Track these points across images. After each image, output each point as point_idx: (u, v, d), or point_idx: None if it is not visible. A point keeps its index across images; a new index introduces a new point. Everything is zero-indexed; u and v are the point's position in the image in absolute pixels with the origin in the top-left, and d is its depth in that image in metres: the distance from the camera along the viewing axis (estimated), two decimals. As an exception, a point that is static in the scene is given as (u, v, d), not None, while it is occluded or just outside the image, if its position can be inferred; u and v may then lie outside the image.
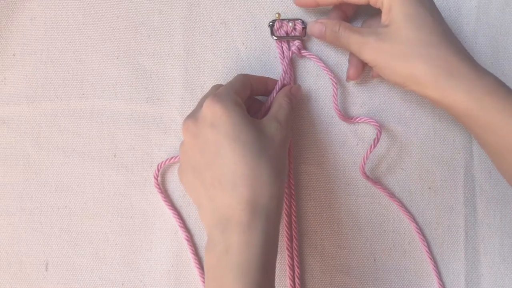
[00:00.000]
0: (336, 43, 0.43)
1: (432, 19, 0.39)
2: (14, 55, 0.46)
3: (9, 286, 0.44)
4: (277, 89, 0.43)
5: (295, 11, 0.47)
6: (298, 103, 0.46)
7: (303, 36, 0.46)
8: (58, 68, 0.46)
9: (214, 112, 0.36)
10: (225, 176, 0.35)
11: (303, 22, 0.46)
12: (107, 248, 0.45)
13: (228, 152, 0.35)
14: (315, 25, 0.43)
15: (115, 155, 0.46)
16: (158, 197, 0.45)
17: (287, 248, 0.44)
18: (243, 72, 0.46)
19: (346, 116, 0.45)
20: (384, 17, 0.40)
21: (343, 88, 0.46)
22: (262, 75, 0.44)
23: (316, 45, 0.47)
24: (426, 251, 0.44)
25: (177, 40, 0.47)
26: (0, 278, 0.44)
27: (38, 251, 0.45)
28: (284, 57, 0.45)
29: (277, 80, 0.43)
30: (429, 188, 0.46)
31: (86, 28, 0.47)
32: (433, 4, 0.41)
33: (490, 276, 0.45)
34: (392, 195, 0.45)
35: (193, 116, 0.38)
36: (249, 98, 0.42)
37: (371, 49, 0.40)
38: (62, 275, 0.44)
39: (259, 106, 0.43)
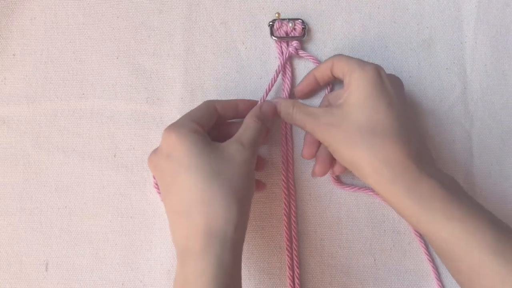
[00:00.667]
0: (291, 122, 0.41)
1: (388, 104, 0.37)
2: (14, 55, 0.46)
3: (9, 286, 0.44)
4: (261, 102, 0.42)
5: (295, 11, 0.47)
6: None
7: (303, 37, 0.46)
8: (58, 68, 0.46)
9: (168, 142, 0.36)
10: (180, 205, 0.35)
11: (303, 22, 0.46)
12: (107, 248, 0.45)
13: (183, 179, 0.35)
14: (270, 104, 0.42)
15: (115, 155, 0.46)
16: (158, 197, 0.45)
17: (286, 249, 0.44)
18: (243, 72, 0.46)
19: None
20: (343, 93, 0.39)
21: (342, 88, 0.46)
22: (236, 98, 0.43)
23: (315, 46, 0.47)
24: (425, 252, 0.44)
25: (177, 40, 0.47)
26: (0, 278, 0.44)
27: (38, 251, 0.45)
28: (283, 58, 0.45)
29: (250, 101, 0.42)
30: (429, 188, 0.45)
31: (86, 28, 0.47)
32: (398, 85, 0.39)
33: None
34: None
35: (155, 149, 0.38)
36: (224, 123, 0.41)
37: (322, 131, 0.38)
38: (62, 275, 0.44)
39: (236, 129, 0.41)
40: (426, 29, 0.47)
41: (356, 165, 0.37)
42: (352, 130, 0.36)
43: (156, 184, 0.44)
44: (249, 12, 0.47)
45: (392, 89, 0.38)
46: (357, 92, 0.37)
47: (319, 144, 0.42)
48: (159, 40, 0.47)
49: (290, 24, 0.45)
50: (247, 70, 0.46)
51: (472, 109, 0.46)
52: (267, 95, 0.44)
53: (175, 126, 0.36)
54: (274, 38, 0.46)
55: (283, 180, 0.45)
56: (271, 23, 0.46)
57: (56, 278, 0.44)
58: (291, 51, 0.45)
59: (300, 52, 0.45)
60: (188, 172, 0.35)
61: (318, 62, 0.45)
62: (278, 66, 0.45)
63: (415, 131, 0.38)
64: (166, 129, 0.36)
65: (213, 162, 0.35)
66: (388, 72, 0.46)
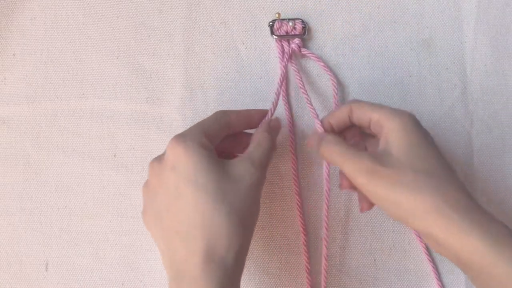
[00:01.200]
0: (327, 160, 0.38)
1: (434, 149, 0.35)
2: (14, 55, 0.46)
3: (9, 286, 0.44)
4: (269, 116, 0.40)
5: (295, 11, 0.47)
6: (299, 107, 0.46)
7: (303, 35, 0.46)
8: (58, 68, 0.46)
9: (175, 154, 0.34)
10: (182, 225, 0.33)
11: (303, 21, 0.46)
12: (107, 248, 0.45)
13: (186, 197, 0.33)
14: (312, 137, 0.39)
15: (115, 155, 0.46)
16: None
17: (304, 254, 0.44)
18: (243, 72, 0.46)
19: None
20: (382, 142, 0.36)
21: (343, 88, 0.46)
22: (249, 108, 0.41)
23: (316, 45, 0.47)
24: (425, 252, 0.44)
25: (177, 40, 0.47)
26: (0, 278, 0.44)
27: (38, 251, 0.45)
28: (283, 57, 0.45)
29: (265, 110, 0.41)
30: (429, 188, 0.45)
31: (86, 28, 0.47)
32: (431, 138, 0.37)
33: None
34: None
35: (159, 156, 0.36)
36: (233, 135, 0.39)
37: (367, 174, 0.34)
38: (62, 275, 0.44)
39: (247, 141, 0.39)
40: (426, 29, 0.47)
41: (415, 209, 0.33)
42: (410, 173, 0.33)
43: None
44: (249, 12, 0.47)
45: (429, 137, 0.36)
46: (403, 137, 0.35)
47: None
48: (159, 40, 0.47)
49: (290, 24, 0.45)
50: (247, 70, 0.46)
51: (472, 109, 0.46)
52: (278, 98, 0.42)
53: (184, 138, 0.34)
54: (274, 36, 0.45)
55: (294, 179, 0.44)
56: (271, 23, 0.46)
57: (56, 278, 0.44)
58: (293, 47, 0.45)
59: (303, 49, 0.45)
60: (193, 189, 0.33)
61: (321, 60, 0.45)
62: (282, 73, 0.44)
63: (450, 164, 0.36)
64: (173, 138, 0.34)
65: (220, 182, 0.33)
66: (388, 71, 0.46)
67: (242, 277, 0.44)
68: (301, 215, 0.44)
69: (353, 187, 0.37)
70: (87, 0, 0.47)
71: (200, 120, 0.37)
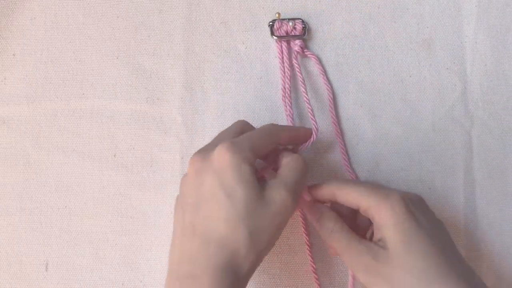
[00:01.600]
0: (325, 237, 0.38)
1: (431, 241, 0.34)
2: (14, 55, 0.46)
3: (9, 286, 0.44)
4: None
5: (295, 11, 0.47)
6: (301, 108, 0.46)
7: (303, 36, 0.46)
8: (58, 68, 0.46)
9: (221, 160, 0.34)
10: (203, 227, 0.34)
11: (303, 21, 0.46)
12: (107, 248, 0.45)
13: (217, 204, 0.33)
14: (312, 209, 0.39)
15: (115, 155, 0.46)
16: (159, 197, 0.45)
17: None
18: (243, 71, 0.46)
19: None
20: (376, 232, 0.36)
21: (343, 87, 0.46)
22: (295, 127, 0.41)
23: (316, 45, 0.47)
24: None
25: (177, 40, 0.47)
26: (0, 278, 0.44)
27: (38, 251, 0.45)
28: (283, 57, 0.45)
29: (310, 130, 0.40)
30: (429, 188, 0.45)
31: (86, 28, 0.47)
32: (429, 215, 0.36)
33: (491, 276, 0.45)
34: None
35: (204, 153, 0.36)
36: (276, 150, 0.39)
37: (365, 270, 0.35)
38: (62, 275, 0.44)
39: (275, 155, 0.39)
40: (426, 29, 0.47)
41: None
42: (409, 276, 0.33)
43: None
44: (249, 12, 0.47)
45: (428, 223, 0.35)
46: (397, 235, 0.34)
47: None
48: (159, 40, 0.47)
49: (290, 24, 0.45)
50: (247, 70, 0.46)
51: (472, 109, 0.46)
52: (290, 106, 0.43)
53: (234, 146, 0.34)
54: (274, 37, 0.45)
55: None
56: (271, 23, 0.46)
57: (56, 278, 0.44)
58: (297, 50, 0.45)
59: (306, 50, 0.45)
60: (225, 201, 0.33)
61: (320, 64, 0.45)
62: (282, 77, 0.44)
63: (461, 259, 0.36)
64: (225, 144, 0.34)
65: (252, 201, 0.33)
66: (388, 71, 0.46)
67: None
68: (302, 215, 0.44)
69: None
70: (87, 0, 0.47)
71: (250, 132, 0.37)
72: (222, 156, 0.34)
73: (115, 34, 0.47)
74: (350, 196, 0.37)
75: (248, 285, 0.44)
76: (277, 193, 0.34)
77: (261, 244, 0.34)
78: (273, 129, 0.38)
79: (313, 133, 0.41)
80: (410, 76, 0.46)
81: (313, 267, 0.44)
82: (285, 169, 0.36)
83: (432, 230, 0.35)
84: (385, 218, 0.34)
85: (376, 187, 0.37)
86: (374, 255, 0.34)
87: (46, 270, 0.45)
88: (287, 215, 0.35)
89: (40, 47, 0.46)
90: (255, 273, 0.44)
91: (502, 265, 0.45)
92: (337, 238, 0.36)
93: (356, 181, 0.38)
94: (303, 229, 0.44)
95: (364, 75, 0.46)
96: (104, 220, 0.45)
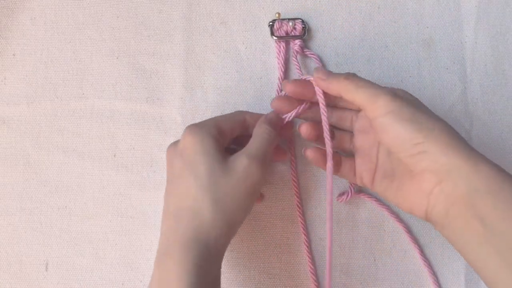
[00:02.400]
0: (340, 92, 0.38)
1: (421, 110, 0.36)
2: (14, 55, 0.46)
3: (9, 286, 0.44)
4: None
5: (295, 11, 0.47)
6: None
7: (303, 36, 0.46)
8: (58, 68, 0.46)
9: (184, 141, 0.36)
10: (174, 207, 0.36)
11: (303, 21, 0.46)
12: (107, 248, 0.45)
13: (183, 181, 0.35)
14: (276, 113, 0.40)
15: (115, 155, 0.46)
16: (159, 197, 0.45)
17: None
18: (242, 72, 0.46)
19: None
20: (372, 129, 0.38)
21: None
22: (259, 112, 0.42)
23: (316, 45, 0.47)
24: (420, 255, 0.44)
25: (177, 40, 0.47)
26: (0, 278, 0.44)
27: (38, 251, 0.45)
28: (281, 57, 0.46)
29: (281, 117, 0.41)
30: (429, 188, 0.45)
31: (86, 28, 0.47)
32: (411, 97, 0.38)
33: (490, 276, 0.45)
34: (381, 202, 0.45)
35: (175, 142, 0.38)
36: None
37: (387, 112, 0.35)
38: (62, 275, 0.44)
39: None
40: (426, 29, 0.47)
41: (424, 152, 0.34)
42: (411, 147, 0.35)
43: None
44: (249, 12, 0.47)
45: (412, 107, 0.36)
46: (391, 126, 0.35)
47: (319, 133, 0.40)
48: (159, 40, 0.47)
49: (290, 24, 0.45)
50: (247, 70, 0.46)
51: (472, 109, 0.46)
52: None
53: (196, 128, 0.37)
54: (274, 37, 0.45)
55: (293, 180, 0.45)
56: (271, 23, 0.46)
57: (56, 278, 0.44)
58: (297, 50, 0.45)
59: (305, 50, 0.45)
60: (189, 177, 0.35)
61: (320, 62, 0.45)
62: (280, 77, 0.45)
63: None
64: (187, 127, 0.37)
65: (215, 171, 0.35)
66: (387, 72, 0.46)
67: (241, 277, 0.44)
68: (301, 215, 0.44)
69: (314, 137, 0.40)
70: (87, 0, 0.47)
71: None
72: (186, 138, 0.36)
73: (115, 34, 0.47)
74: (351, 93, 0.37)
75: (248, 285, 0.44)
76: (239, 161, 0.36)
77: (227, 211, 0.35)
78: (237, 111, 0.41)
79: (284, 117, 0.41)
80: (410, 76, 0.46)
81: (311, 267, 0.44)
82: (251, 139, 0.38)
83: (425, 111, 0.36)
84: (377, 110, 0.36)
85: (369, 85, 0.37)
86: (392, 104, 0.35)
87: (46, 270, 0.45)
88: (251, 181, 0.36)
89: (40, 47, 0.46)
90: (255, 273, 0.44)
91: (502, 265, 0.45)
92: (356, 86, 0.37)
93: (357, 80, 0.38)
94: (302, 229, 0.44)
95: (364, 75, 0.46)
96: (104, 220, 0.45)
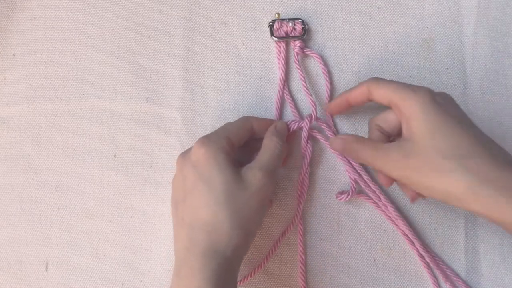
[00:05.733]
0: (356, 159, 0.41)
1: (460, 126, 0.35)
2: (14, 55, 0.46)
3: (9, 286, 0.44)
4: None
5: (295, 11, 0.47)
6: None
7: (303, 36, 0.46)
8: (58, 68, 0.46)
9: (197, 154, 0.37)
10: (188, 217, 0.36)
11: (303, 21, 0.46)
12: (107, 248, 0.45)
13: (198, 194, 0.36)
14: (336, 140, 0.40)
15: (115, 155, 0.46)
16: (159, 197, 0.45)
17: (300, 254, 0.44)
18: (242, 72, 0.46)
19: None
20: (404, 127, 0.37)
21: (343, 87, 0.46)
22: (267, 118, 0.43)
23: (316, 45, 0.47)
24: (419, 256, 0.44)
25: (177, 40, 0.47)
26: (0, 278, 0.44)
27: (38, 251, 0.45)
28: (281, 58, 0.46)
29: (285, 122, 0.43)
30: (429, 188, 0.45)
31: (86, 28, 0.47)
32: (460, 109, 0.37)
33: (490, 276, 0.45)
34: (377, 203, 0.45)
35: (186, 152, 0.39)
36: (254, 140, 0.42)
37: (398, 167, 0.36)
38: (62, 275, 0.44)
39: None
40: (426, 29, 0.47)
41: (452, 193, 0.34)
42: (437, 157, 0.34)
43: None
44: (249, 12, 0.47)
45: (456, 111, 0.36)
46: (424, 120, 0.35)
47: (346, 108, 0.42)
48: (159, 40, 0.47)
49: (290, 24, 0.45)
50: (247, 70, 0.46)
51: (472, 109, 0.46)
52: (280, 102, 0.45)
53: (208, 141, 0.37)
54: (274, 38, 0.45)
55: (300, 180, 0.45)
56: (271, 24, 0.46)
57: (56, 278, 0.44)
58: (297, 51, 0.45)
59: (306, 49, 0.45)
60: (205, 190, 0.36)
61: (322, 61, 0.45)
62: (281, 77, 0.45)
63: (493, 142, 0.36)
64: (199, 140, 0.37)
65: (229, 185, 0.36)
66: (388, 71, 0.46)
67: (241, 277, 0.44)
68: (300, 215, 0.44)
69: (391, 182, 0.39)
70: (87, 0, 0.47)
71: (224, 123, 0.40)
72: (198, 150, 0.37)
73: (115, 34, 0.47)
74: (383, 91, 0.38)
75: (248, 285, 0.44)
76: (252, 175, 0.37)
77: (244, 222, 0.36)
78: (245, 118, 0.41)
79: (288, 123, 0.43)
80: (410, 77, 0.46)
81: (302, 268, 0.44)
82: (261, 151, 0.39)
83: (461, 118, 0.36)
84: (413, 109, 0.35)
85: (407, 84, 0.37)
86: (403, 151, 0.35)
87: (46, 270, 0.45)
88: (264, 193, 0.37)
89: (40, 47, 0.46)
90: (254, 272, 0.44)
91: (502, 265, 0.45)
92: (363, 150, 0.38)
93: (389, 80, 0.39)
94: (299, 230, 0.44)
95: (364, 75, 0.46)
96: (104, 220, 0.45)
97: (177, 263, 0.36)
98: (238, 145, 0.39)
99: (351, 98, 0.41)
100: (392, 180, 0.39)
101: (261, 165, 0.37)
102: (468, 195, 0.33)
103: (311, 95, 0.44)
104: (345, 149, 0.39)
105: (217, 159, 0.36)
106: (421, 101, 0.35)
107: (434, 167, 0.34)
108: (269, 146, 0.39)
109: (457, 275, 0.44)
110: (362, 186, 0.44)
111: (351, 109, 0.43)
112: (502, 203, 0.32)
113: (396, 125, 0.38)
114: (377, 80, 0.39)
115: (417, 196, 0.39)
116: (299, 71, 0.45)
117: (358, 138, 0.39)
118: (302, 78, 0.45)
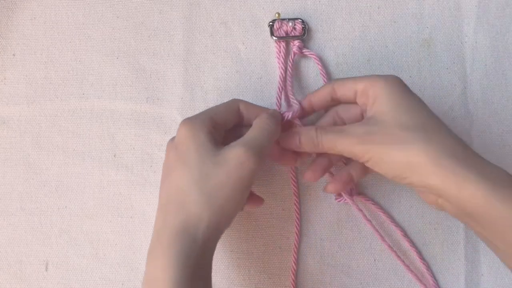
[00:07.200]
0: (317, 150, 0.38)
1: (423, 107, 0.36)
2: (14, 55, 0.46)
3: (9, 286, 0.44)
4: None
5: (295, 11, 0.47)
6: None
7: (303, 36, 0.46)
8: (58, 68, 0.46)
9: (179, 135, 0.36)
10: (164, 198, 0.36)
11: (303, 21, 0.46)
12: (107, 248, 0.45)
13: (175, 175, 0.35)
14: (288, 137, 0.39)
15: (115, 155, 0.46)
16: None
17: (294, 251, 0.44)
18: (242, 72, 0.46)
19: None
20: (368, 110, 0.37)
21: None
22: (259, 105, 0.41)
23: (316, 45, 0.47)
24: (418, 256, 0.44)
25: (177, 40, 0.47)
26: (0, 278, 0.44)
27: (38, 251, 0.45)
28: (281, 57, 0.46)
29: (274, 111, 0.41)
30: (429, 188, 0.45)
31: (86, 28, 0.47)
32: (418, 97, 0.38)
33: (490, 276, 0.45)
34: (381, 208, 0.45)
35: (174, 136, 0.38)
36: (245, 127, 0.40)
37: (361, 143, 0.35)
38: (62, 275, 0.44)
39: None
40: (426, 29, 0.47)
41: (414, 166, 0.34)
42: (401, 131, 0.35)
43: None
44: (249, 12, 0.47)
45: (415, 94, 0.38)
46: (389, 98, 0.36)
47: (326, 169, 0.41)
48: (159, 40, 0.47)
49: (290, 24, 0.45)
50: (247, 70, 0.46)
51: (472, 109, 0.46)
52: (280, 99, 0.44)
53: (190, 121, 0.37)
54: (274, 38, 0.45)
55: (293, 177, 0.45)
56: (271, 23, 0.46)
57: (56, 278, 0.44)
58: (295, 51, 0.45)
59: (304, 50, 0.45)
60: (180, 169, 0.35)
61: (320, 62, 0.45)
62: (280, 75, 0.45)
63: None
64: (182, 121, 0.37)
65: (205, 164, 0.34)
66: (388, 71, 0.46)
67: (242, 277, 0.44)
68: (297, 215, 0.44)
69: (317, 179, 0.41)
70: (87, 0, 0.47)
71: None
72: (180, 131, 0.36)
73: (115, 34, 0.47)
74: (348, 84, 0.39)
75: (247, 285, 0.44)
76: (232, 152, 0.35)
77: (216, 203, 0.34)
78: (232, 100, 0.40)
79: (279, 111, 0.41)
80: (410, 77, 0.46)
81: (294, 268, 0.44)
82: (251, 129, 0.37)
83: (423, 103, 0.37)
84: (378, 88, 0.36)
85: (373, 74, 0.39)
86: (366, 128, 0.36)
87: (46, 270, 0.45)
88: (244, 171, 0.34)
89: (40, 47, 0.46)
90: (254, 272, 0.44)
91: (502, 265, 0.45)
92: (326, 137, 0.37)
93: None
94: (295, 229, 0.44)
95: (364, 75, 0.46)
96: (104, 220, 0.45)
97: (151, 245, 0.35)
98: (225, 126, 0.38)
99: (314, 100, 0.41)
100: (319, 177, 0.40)
101: (245, 142, 0.35)
102: (428, 166, 0.33)
103: (293, 95, 0.43)
104: (301, 140, 0.38)
105: (196, 138, 0.35)
106: (390, 83, 0.37)
107: (396, 140, 0.34)
108: (259, 123, 0.37)
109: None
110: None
111: (313, 113, 0.43)
112: (461, 174, 0.32)
113: (354, 116, 0.40)
114: (341, 78, 0.40)
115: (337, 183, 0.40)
116: (289, 69, 0.45)
117: (312, 127, 0.38)
118: (289, 78, 0.45)
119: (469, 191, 0.32)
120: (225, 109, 0.39)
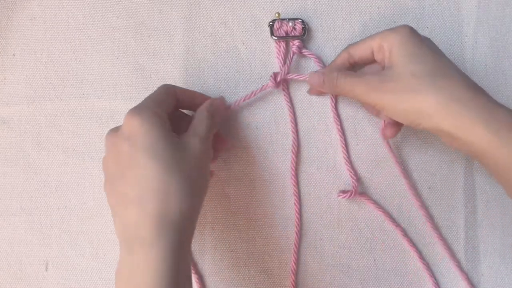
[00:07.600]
0: (337, 92, 0.42)
1: (434, 54, 0.38)
2: (14, 55, 0.46)
3: (9, 286, 0.44)
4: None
5: (295, 11, 0.47)
6: (295, 102, 0.46)
7: (303, 36, 0.46)
8: (58, 68, 0.46)
9: (131, 125, 0.35)
10: (134, 190, 0.34)
11: (303, 21, 0.46)
12: (107, 248, 0.45)
13: (140, 165, 0.34)
14: (314, 76, 0.42)
15: (115, 155, 0.46)
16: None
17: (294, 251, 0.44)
18: (242, 72, 0.46)
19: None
20: (386, 62, 0.39)
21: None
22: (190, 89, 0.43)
23: (316, 45, 0.47)
24: (418, 256, 0.44)
25: (177, 40, 0.47)
26: (0, 278, 0.44)
27: (38, 251, 0.45)
28: (280, 57, 0.46)
29: (208, 97, 0.43)
30: (429, 188, 0.46)
31: (86, 28, 0.47)
32: (434, 44, 0.40)
33: (490, 276, 0.45)
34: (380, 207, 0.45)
35: (114, 129, 0.37)
36: (178, 114, 0.42)
37: (376, 91, 0.38)
38: (62, 275, 0.44)
39: (188, 121, 0.41)
40: (426, 29, 0.47)
41: (425, 112, 0.36)
42: (412, 79, 0.37)
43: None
44: (249, 12, 0.47)
45: (431, 44, 0.39)
46: (403, 49, 0.38)
47: (399, 124, 0.43)
48: (159, 40, 0.47)
49: (290, 24, 0.45)
50: (247, 70, 0.46)
51: (472, 109, 0.46)
52: (254, 95, 0.45)
53: (139, 109, 0.36)
54: (274, 38, 0.45)
55: (293, 177, 0.45)
56: (271, 23, 0.46)
57: (56, 278, 0.44)
58: (294, 51, 0.45)
59: (303, 50, 0.45)
60: (149, 158, 0.34)
61: (320, 62, 0.45)
62: (281, 65, 0.45)
63: (463, 72, 0.38)
64: (129, 111, 0.36)
65: (174, 151, 0.35)
66: (388, 72, 0.46)
67: (242, 277, 0.44)
68: (298, 215, 0.44)
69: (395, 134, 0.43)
70: (87, 0, 0.47)
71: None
72: (130, 122, 0.35)
73: (115, 34, 0.47)
74: (363, 45, 0.41)
75: (247, 284, 0.44)
76: (193, 142, 0.37)
77: (192, 188, 0.35)
78: (166, 85, 0.41)
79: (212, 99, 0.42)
80: (410, 76, 0.46)
81: (293, 268, 0.44)
82: (195, 121, 0.39)
83: (437, 51, 0.39)
84: (392, 39, 0.38)
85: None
86: (381, 77, 0.38)
87: (46, 270, 0.45)
88: (205, 158, 0.38)
89: (40, 47, 0.46)
90: (254, 272, 0.44)
91: (502, 265, 0.45)
92: (345, 80, 0.40)
93: None
94: (296, 228, 0.44)
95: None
96: (104, 220, 0.45)
97: (125, 243, 0.35)
98: (168, 110, 0.38)
99: (335, 66, 0.43)
100: (396, 132, 0.42)
101: (200, 134, 0.37)
102: (439, 111, 0.35)
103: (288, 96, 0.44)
104: (325, 80, 0.41)
105: (154, 126, 0.35)
106: (402, 33, 0.38)
107: (408, 88, 0.37)
108: (204, 119, 0.39)
109: None
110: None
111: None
112: (469, 119, 0.35)
113: (366, 55, 0.41)
114: (353, 43, 0.42)
115: (392, 134, 0.42)
116: (286, 67, 0.45)
117: (335, 70, 0.41)
118: (283, 78, 0.45)
119: (476, 135, 0.35)
120: (166, 96, 0.39)
